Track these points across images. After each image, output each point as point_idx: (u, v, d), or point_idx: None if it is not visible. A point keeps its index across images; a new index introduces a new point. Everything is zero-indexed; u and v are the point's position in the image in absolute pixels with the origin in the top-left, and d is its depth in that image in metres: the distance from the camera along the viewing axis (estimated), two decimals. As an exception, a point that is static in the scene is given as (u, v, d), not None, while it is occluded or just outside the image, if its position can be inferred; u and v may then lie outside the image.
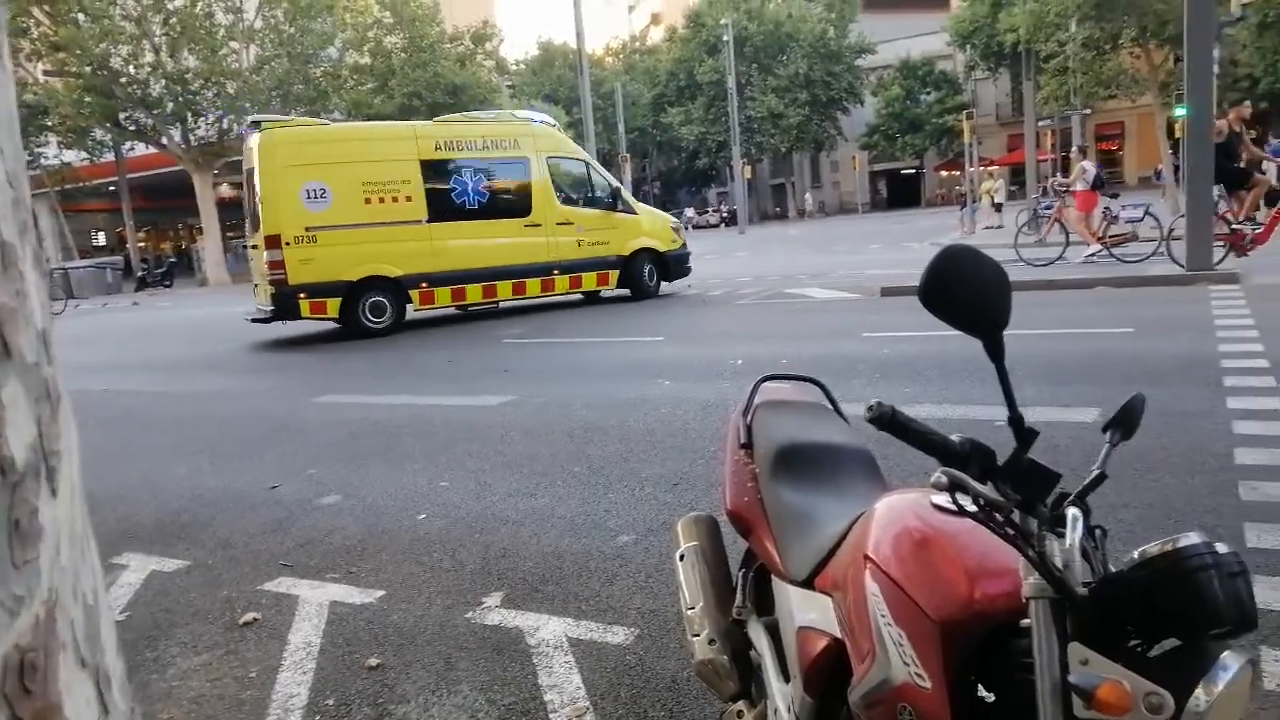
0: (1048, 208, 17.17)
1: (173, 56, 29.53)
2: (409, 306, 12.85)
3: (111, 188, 38.75)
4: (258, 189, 11.93)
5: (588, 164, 14.28)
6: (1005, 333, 1.30)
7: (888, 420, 1.30)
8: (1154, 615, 1.16)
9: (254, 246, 12.36)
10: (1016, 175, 45.48)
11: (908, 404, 5.92)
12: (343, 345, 12.05)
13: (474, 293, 13.29)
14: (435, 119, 14.30)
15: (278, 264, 11.98)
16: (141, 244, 43.60)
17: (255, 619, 3.52)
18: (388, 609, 3.51)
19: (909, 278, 14.03)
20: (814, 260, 21.14)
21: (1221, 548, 1.17)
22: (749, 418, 2.18)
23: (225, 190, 40.16)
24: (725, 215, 55.98)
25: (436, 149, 12.99)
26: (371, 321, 12.58)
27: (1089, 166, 14.67)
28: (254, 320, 12.80)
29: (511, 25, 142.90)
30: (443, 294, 13.02)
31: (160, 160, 34.92)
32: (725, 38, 46.58)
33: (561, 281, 13.94)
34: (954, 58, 53.93)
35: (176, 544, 4.47)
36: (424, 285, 12.87)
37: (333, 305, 12.33)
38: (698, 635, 2.20)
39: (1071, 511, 1.28)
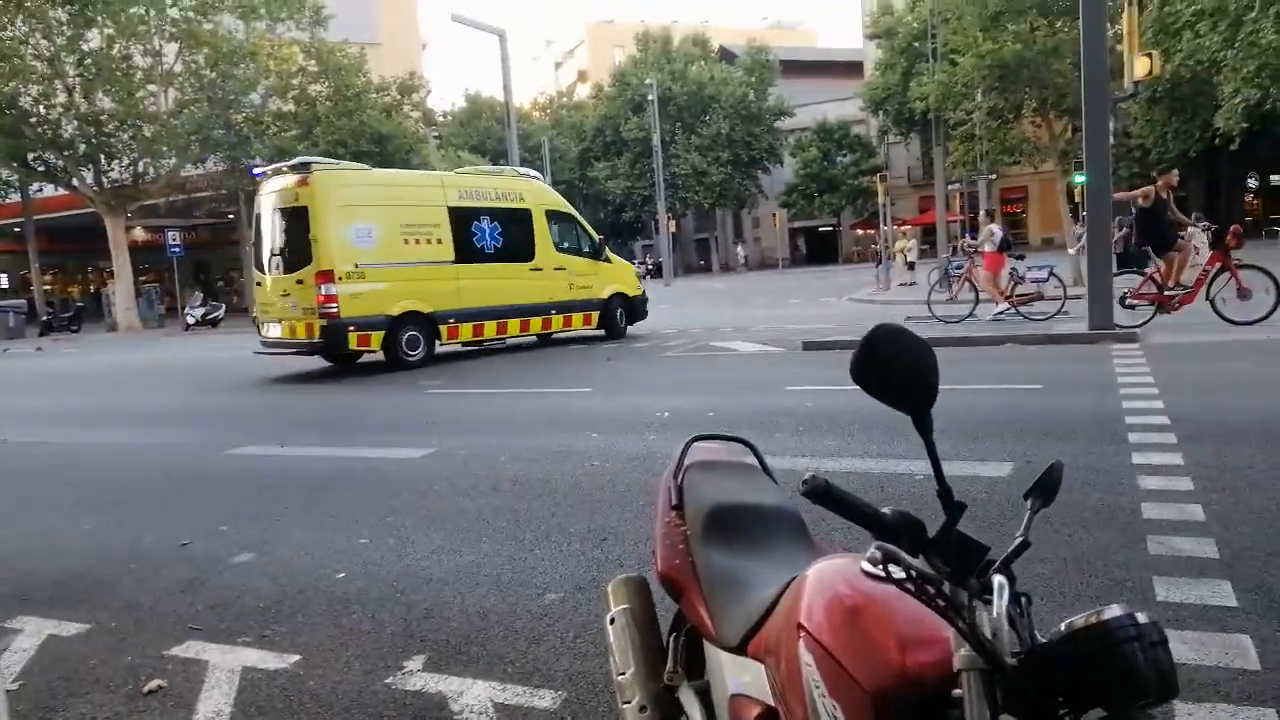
0: (958, 267, 17.80)
1: (86, 98, 28.76)
2: (436, 342, 14.01)
3: (17, 229, 37.32)
4: (311, 226, 12.84)
5: (575, 218, 16.06)
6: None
7: (822, 494, 1.33)
8: (1081, 687, 1.18)
9: (299, 282, 13.11)
10: (928, 235, 47.26)
11: (832, 457, 5.99)
12: (257, 395, 11.75)
13: (490, 329, 14.63)
14: (455, 170, 16.52)
15: (331, 298, 12.89)
16: (48, 287, 41.93)
17: (161, 687, 3.32)
18: (303, 675, 3.35)
19: (830, 332, 14.35)
20: (737, 314, 21.45)
21: (1143, 618, 1.20)
22: (679, 478, 2.16)
23: (139, 234, 39.06)
24: (651, 267, 56.55)
25: (460, 197, 14.51)
26: (408, 355, 13.63)
27: (996, 230, 15.28)
28: (273, 352, 13.66)
29: (439, 78, 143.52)
30: (465, 329, 14.30)
31: (70, 202, 33.81)
32: (650, 97, 47.56)
33: (557, 320, 15.55)
34: (868, 122, 56.06)
35: (77, 606, 4.21)
36: (451, 321, 14.12)
37: (376, 338, 13.32)
38: (629, 702, 2.15)
39: (998, 580, 1.29)
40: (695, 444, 2.31)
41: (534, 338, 15.95)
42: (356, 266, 13.11)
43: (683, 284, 44.91)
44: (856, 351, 1.36)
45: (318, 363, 15.09)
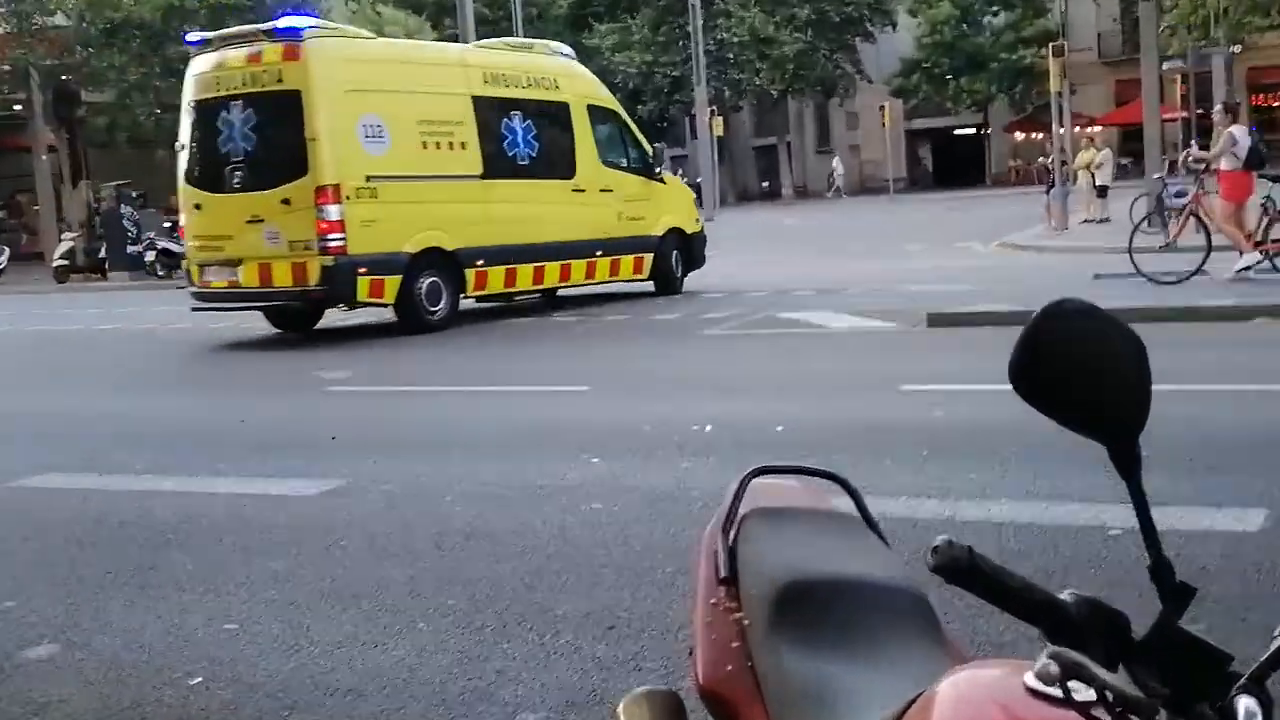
0: (1179, 194, 17.67)
1: None
2: (460, 293, 14.83)
3: None
4: (306, 120, 13.19)
5: (622, 117, 16.98)
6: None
7: (963, 568, 1.34)
8: None
9: (284, 202, 13.39)
10: (1130, 142, 47.06)
11: (974, 499, 5.99)
12: (67, 392, 11.87)
13: (524, 276, 15.43)
14: (476, 43, 17.92)
15: (337, 225, 13.22)
16: None
17: None
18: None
19: (971, 297, 14.31)
20: (822, 266, 21.43)
21: None
22: (733, 536, 2.17)
23: None
24: (684, 189, 56.80)
25: (485, 82, 15.11)
26: (429, 311, 14.31)
27: (1239, 134, 15.19)
28: (223, 307, 14.46)
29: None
30: (495, 276, 15.04)
31: None
32: (685, -83, 47.60)
33: (603, 266, 16.38)
34: (1034, -41, 55.88)
35: None
36: (480, 263, 14.76)
37: (391, 286, 13.84)
38: None
39: (1245, 705, 1.29)
40: (757, 481, 2.32)
41: (563, 289, 16.92)
42: (368, 181, 13.62)
43: (734, 217, 44.89)
44: (1018, 344, 1.37)
45: (203, 331, 15.23)
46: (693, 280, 18.75)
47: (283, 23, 14.05)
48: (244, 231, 13.65)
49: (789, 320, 13.91)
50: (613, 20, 60.12)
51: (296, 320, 15.17)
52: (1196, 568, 4.68)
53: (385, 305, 14.35)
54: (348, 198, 13.31)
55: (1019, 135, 60.49)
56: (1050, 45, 32.01)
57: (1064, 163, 28.02)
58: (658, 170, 17.51)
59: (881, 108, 54.46)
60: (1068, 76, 32.40)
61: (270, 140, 13.66)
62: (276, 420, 9.56)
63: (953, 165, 63.15)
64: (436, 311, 14.33)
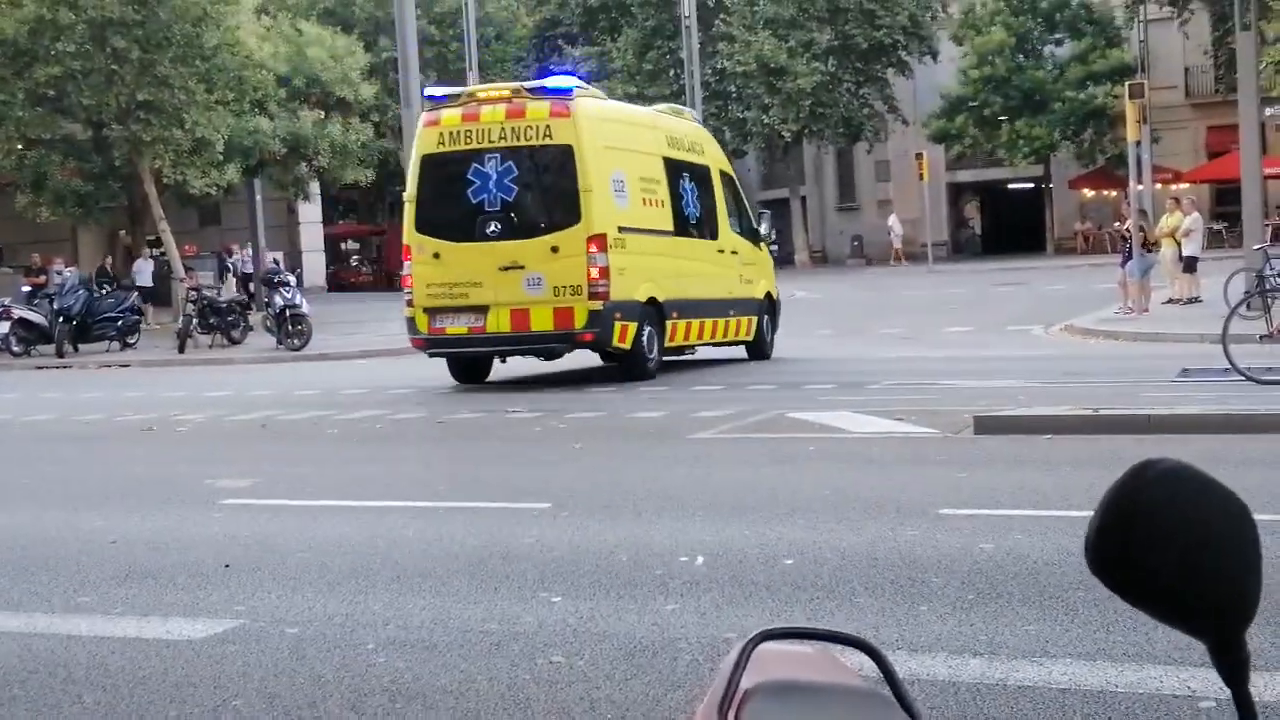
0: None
1: None
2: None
3: None
4: (580, 174, 17.16)
5: (736, 181, 21.52)
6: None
7: None
8: None
9: (554, 250, 17.35)
10: (1224, 203, 47.56)
11: (1034, 659, 5.93)
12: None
13: (704, 330, 19.68)
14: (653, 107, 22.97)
15: (605, 272, 17.14)
16: None
17: None
18: None
19: (1027, 396, 14.32)
20: (844, 352, 21.43)
21: None
22: (731, 716, 2.14)
23: None
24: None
25: (668, 145, 19.41)
26: (648, 358, 18.28)
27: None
28: (462, 353, 18.74)
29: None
30: (682, 328, 19.04)
31: None
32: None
33: (733, 325, 20.39)
34: (1107, -21, 56.64)
35: None
36: (674, 315, 18.74)
37: (630, 332, 17.72)
38: None
39: None
40: (763, 648, 2.30)
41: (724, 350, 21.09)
42: (620, 232, 17.57)
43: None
44: (1097, 514, 1.39)
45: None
46: (683, 369, 18.81)
47: (550, 82, 18.19)
48: (496, 279, 17.18)
49: (801, 422, 13.94)
50: (589, 44, 60.64)
51: (471, 371, 19.09)
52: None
53: (625, 350, 18.03)
54: (611, 246, 17.13)
55: (1088, 193, 60.89)
56: (1127, 83, 32.51)
57: (1143, 228, 28.19)
58: (760, 237, 21.57)
59: (918, 156, 54.88)
60: (1148, 121, 32.83)
61: (534, 191, 17.84)
62: (156, 540, 9.46)
63: (1006, 228, 63.70)
64: (651, 360, 18.17)
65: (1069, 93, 55.51)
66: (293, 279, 32.46)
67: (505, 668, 6.19)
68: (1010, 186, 64.88)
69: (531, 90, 17.61)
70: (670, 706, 5.48)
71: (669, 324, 18.47)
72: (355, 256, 64.76)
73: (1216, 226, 47.53)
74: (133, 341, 32.50)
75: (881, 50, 58.92)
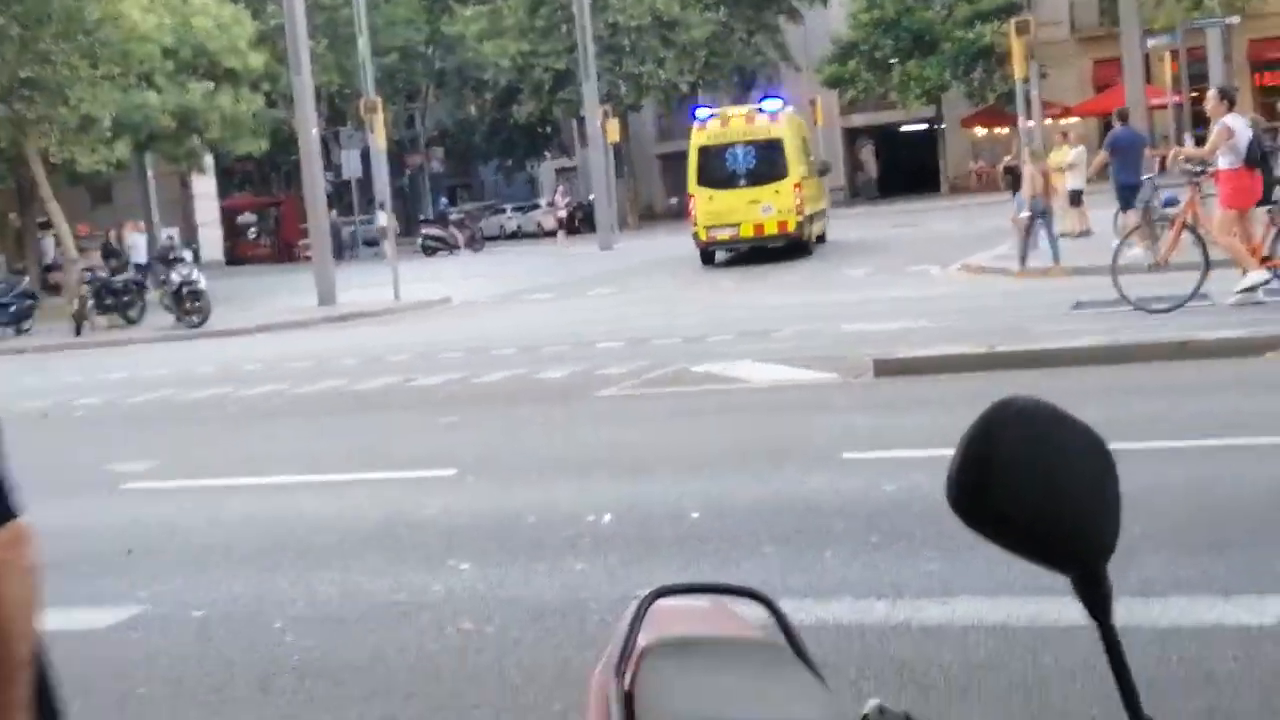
0: (1169, 203, 18.00)
1: None
2: None
3: None
4: (786, 151, 32.75)
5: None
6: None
7: None
8: None
9: (776, 191, 32.14)
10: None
11: (936, 598, 6.01)
12: None
13: (817, 229, 35.69)
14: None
15: (802, 202, 32.77)
16: None
17: None
18: None
19: (924, 336, 14.45)
20: (745, 302, 21.49)
21: None
22: (628, 678, 2.14)
23: None
24: (568, 212, 56.62)
25: (802, 131, 38.28)
26: (810, 243, 34.80)
27: (1238, 125, 15.50)
28: (730, 248, 33.74)
29: None
30: (815, 229, 35.51)
31: None
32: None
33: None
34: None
35: None
36: (811, 221, 34.85)
37: (806, 231, 33.81)
38: None
39: None
40: (659, 604, 2.30)
41: None
42: (802, 180, 32.78)
43: (635, 244, 45.23)
44: (956, 456, 1.39)
45: None
46: (586, 320, 18.74)
47: (766, 105, 34.11)
48: (746, 208, 31.71)
49: (703, 375, 13.97)
50: (479, 2, 60.08)
51: (709, 259, 33.34)
52: (1202, 674, 4.74)
53: (803, 240, 32.81)
54: (800, 187, 32.20)
55: (980, 131, 61.32)
56: (1013, 20, 32.64)
57: (1032, 161, 28.26)
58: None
59: (812, 102, 55.00)
60: (1035, 57, 33.06)
61: (762, 162, 32.26)
62: (55, 529, 9.28)
63: (901, 170, 63.97)
64: (810, 243, 33.90)
65: (958, 32, 55.73)
66: (189, 255, 32.09)
67: (414, 638, 6.20)
68: (904, 129, 65.17)
69: (759, 110, 33.84)
70: (580, 667, 5.47)
71: (813, 225, 34.16)
72: (252, 229, 63.82)
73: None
74: (27, 327, 31.92)
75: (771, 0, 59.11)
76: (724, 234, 31.91)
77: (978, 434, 1.38)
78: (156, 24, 38.54)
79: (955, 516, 1.38)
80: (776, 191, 31.44)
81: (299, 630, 6.50)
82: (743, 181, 32.02)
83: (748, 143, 32.48)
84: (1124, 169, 22.45)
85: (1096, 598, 1.41)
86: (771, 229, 31.56)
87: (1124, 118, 24.06)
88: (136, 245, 41.25)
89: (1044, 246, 22.59)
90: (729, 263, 33.15)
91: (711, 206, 31.82)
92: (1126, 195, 22.19)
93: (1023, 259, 22.32)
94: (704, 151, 32.84)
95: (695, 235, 32.72)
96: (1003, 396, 1.41)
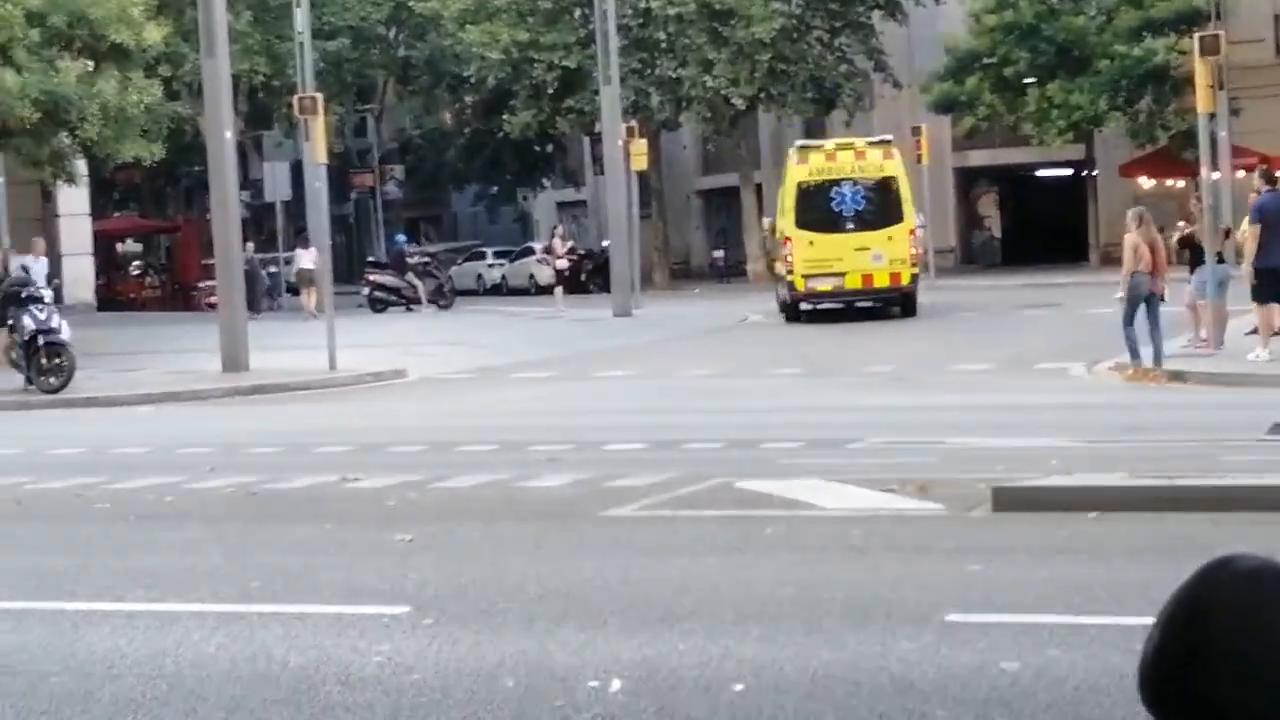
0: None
1: None
2: None
3: None
4: (900, 191, 40.00)
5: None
6: None
7: None
8: None
9: (889, 238, 38.56)
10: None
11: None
12: None
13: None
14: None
15: (920, 252, 43.69)
16: None
17: None
18: None
19: (1062, 460, 14.40)
20: (814, 399, 21.51)
21: None
22: None
23: None
24: (572, 260, 56.17)
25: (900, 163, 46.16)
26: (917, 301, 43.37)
27: None
28: (829, 305, 40.53)
29: None
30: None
31: None
32: None
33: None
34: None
35: None
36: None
37: (917, 285, 42.65)
38: None
39: None
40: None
41: None
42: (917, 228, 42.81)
43: (664, 310, 45.70)
44: (1158, 635, 1.41)
45: None
46: (583, 421, 18.73)
47: (877, 139, 40.70)
48: (852, 256, 37.31)
49: (755, 495, 13.99)
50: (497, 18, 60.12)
51: (793, 313, 39.64)
52: None
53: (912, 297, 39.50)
54: (914, 235, 39.84)
55: (1145, 182, 61.28)
56: (1197, 35, 32.81)
57: (1228, 231, 28.29)
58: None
59: (915, 131, 55.19)
60: (1226, 86, 33.14)
61: (874, 203, 38.31)
62: None
63: (1035, 228, 64.16)
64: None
65: (1119, 47, 55.60)
66: (49, 293, 32.08)
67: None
68: (1040, 174, 65.37)
69: (869, 143, 39.36)
70: None
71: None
72: (136, 262, 63.97)
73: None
74: None
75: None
76: (825, 284, 37.29)
77: (1186, 603, 1.41)
78: (21, -18, 38.59)
79: (1148, 713, 1.39)
80: (890, 238, 37.00)
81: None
82: (850, 225, 37.66)
83: (857, 181, 38.18)
84: (1275, 247, 22.53)
85: None
86: (882, 281, 37.05)
87: (1271, 180, 23.97)
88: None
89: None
90: (810, 317, 38.96)
91: (812, 253, 36.93)
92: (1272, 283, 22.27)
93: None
94: (804, 189, 38.00)
95: (790, 284, 37.89)
96: (1221, 554, 1.43)
